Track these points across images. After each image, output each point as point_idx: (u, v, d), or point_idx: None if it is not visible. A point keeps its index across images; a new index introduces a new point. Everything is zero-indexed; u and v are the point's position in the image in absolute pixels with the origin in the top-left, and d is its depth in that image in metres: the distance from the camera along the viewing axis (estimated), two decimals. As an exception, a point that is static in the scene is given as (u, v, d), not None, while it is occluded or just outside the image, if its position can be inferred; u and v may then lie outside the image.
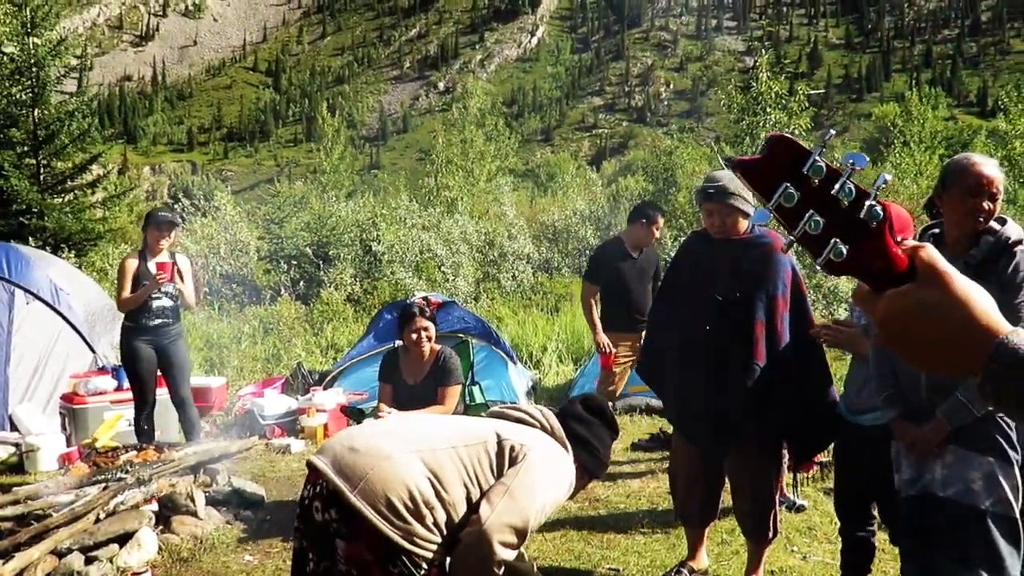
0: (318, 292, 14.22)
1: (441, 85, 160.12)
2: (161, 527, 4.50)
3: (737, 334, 3.39)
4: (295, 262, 15.50)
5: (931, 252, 0.84)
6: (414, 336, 4.80)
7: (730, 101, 18.13)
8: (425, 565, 2.32)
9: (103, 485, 4.57)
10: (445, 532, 2.36)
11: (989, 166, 2.64)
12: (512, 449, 2.47)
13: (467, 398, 5.01)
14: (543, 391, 8.49)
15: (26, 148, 15.01)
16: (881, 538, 3.59)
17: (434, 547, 2.33)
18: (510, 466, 2.44)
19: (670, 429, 6.30)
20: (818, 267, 0.85)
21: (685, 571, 3.81)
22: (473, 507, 2.39)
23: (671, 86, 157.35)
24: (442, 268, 15.03)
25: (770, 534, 3.61)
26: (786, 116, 15.11)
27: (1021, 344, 0.76)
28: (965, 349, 0.79)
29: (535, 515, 2.42)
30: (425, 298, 7.82)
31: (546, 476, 2.49)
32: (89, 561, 4.11)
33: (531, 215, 22.27)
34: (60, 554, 4.04)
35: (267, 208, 19.79)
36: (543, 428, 2.65)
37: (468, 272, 15.21)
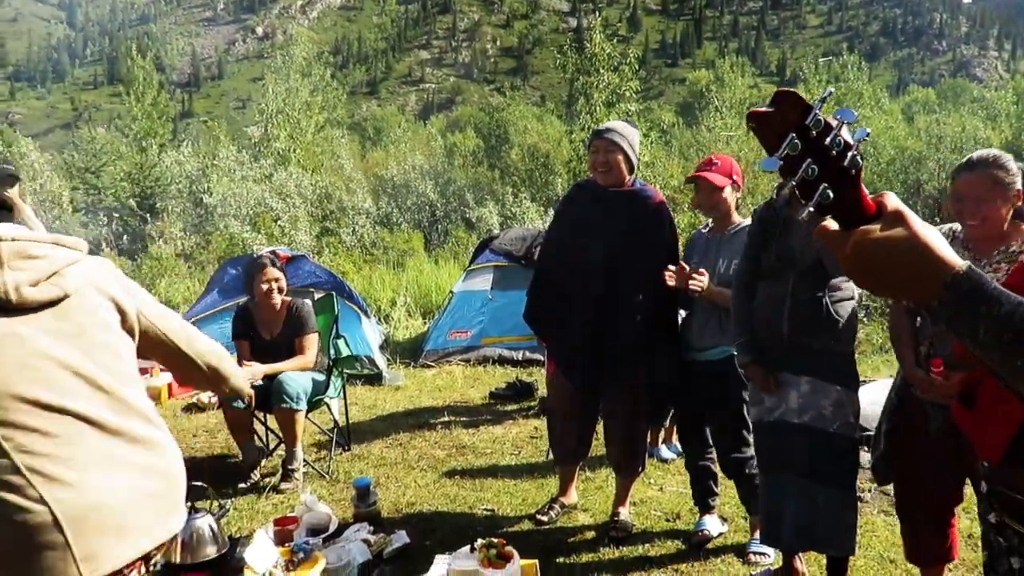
0: (145, 247, 13.33)
1: (260, 30, 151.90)
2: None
3: (620, 283, 3.59)
4: (116, 215, 14.41)
5: (895, 198, 0.99)
6: (264, 287, 4.71)
7: (564, 61, 18.54)
8: None
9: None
10: None
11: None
12: None
13: (333, 351, 4.97)
14: (395, 345, 8.52)
15: None
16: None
17: None
18: None
19: (524, 377, 6.58)
20: (811, 208, 0.97)
21: (557, 506, 4.04)
22: None
23: (498, 43, 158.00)
24: (279, 222, 14.52)
25: (639, 467, 3.90)
26: (618, 78, 15.65)
27: (973, 275, 0.92)
28: (925, 279, 0.94)
29: None
30: (273, 252, 7.61)
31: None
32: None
33: (365, 169, 21.89)
34: None
35: (79, 156, 18.15)
36: None
37: (306, 226, 14.79)
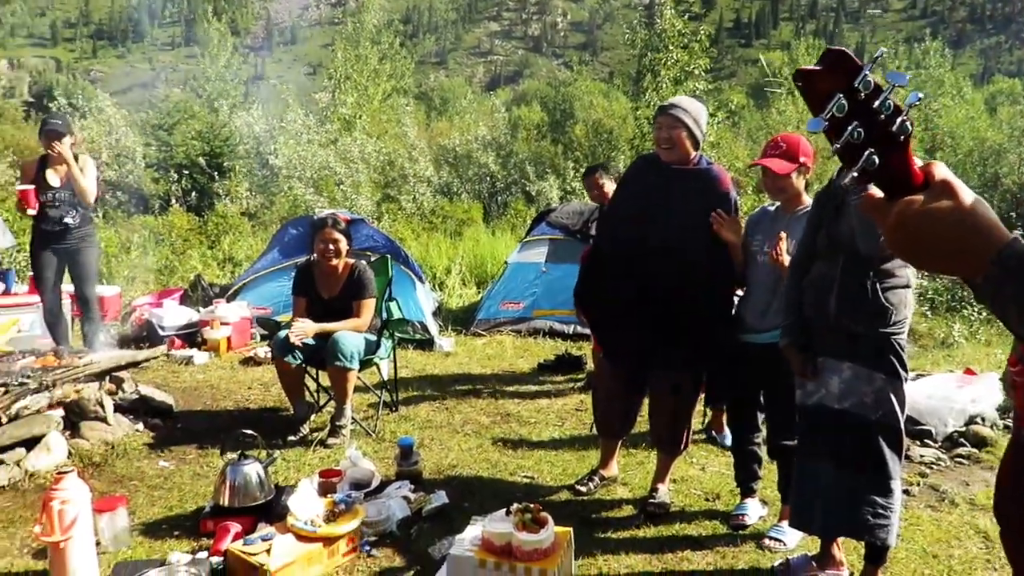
0: (212, 204, 13.67)
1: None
2: (69, 433, 4.39)
3: (677, 261, 3.53)
4: (186, 172, 14.78)
5: (944, 168, 0.95)
6: (323, 247, 4.79)
7: (634, 36, 18.25)
8: None
9: (3, 389, 4.39)
10: None
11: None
12: None
13: (386, 313, 5.05)
14: (448, 312, 8.60)
15: None
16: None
17: None
18: None
19: (573, 351, 6.59)
20: (854, 173, 0.94)
21: (596, 478, 4.06)
22: None
23: (568, 17, 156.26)
24: (341, 186, 14.70)
25: (682, 447, 3.88)
26: (687, 56, 15.37)
27: (1018, 254, 0.87)
28: (970, 253, 0.90)
29: None
30: (333, 215, 7.74)
31: None
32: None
33: (428, 138, 21.99)
34: (-37, 457, 3.90)
35: (153, 113, 18.64)
36: None
37: (368, 191, 14.96)
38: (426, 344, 7.08)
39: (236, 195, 14.02)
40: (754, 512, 3.67)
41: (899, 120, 0.93)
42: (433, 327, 7.29)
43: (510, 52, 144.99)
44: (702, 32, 16.37)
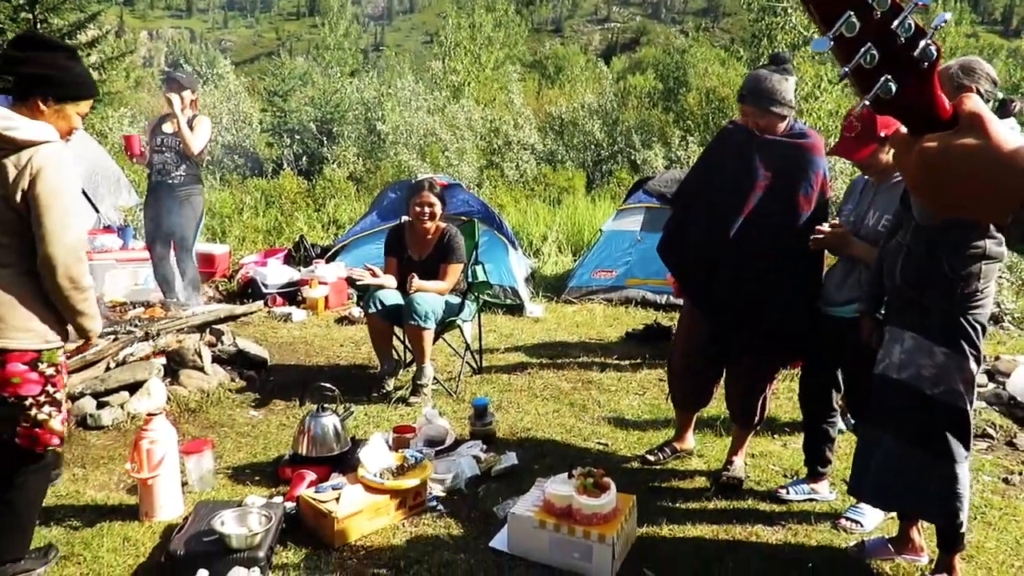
0: (320, 168, 14.11)
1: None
2: (169, 380, 4.67)
3: (756, 231, 3.40)
4: (298, 137, 15.30)
5: (976, 100, 0.85)
6: (418, 209, 4.87)
7: (749, 0, 17.55)
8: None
9: (113, 336, 4.70)
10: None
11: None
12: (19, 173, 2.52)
13: (471, 276, 5.10)
14: (541, 279, 8.61)
15: (22, 2, 14.53)
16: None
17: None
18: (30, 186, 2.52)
19: (663, 322, 6.48)
20: (866, 102, 0.85)
21: (668, 449, 3.99)
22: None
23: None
24: (446, 153, 14.88)
25: (756, 420, 3.76)
26: (807, 18, 14.64)
27: None
28: (1001, 192, 0.81)
29: (73, 212, 2.62)
30: (431, 179, 7.84)
31: (58, 172, 2.57)
32: (101, 406, 4.29)
33: (537, 106, 21.90)
34: (73, 398, 4.20)
35: (270, 81, 19.36)
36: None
37: (472, 158, 15.08)
38: (516, 309, 7.11)
39: (344, 160, 14.39)
40: (872, 519, 3.38)
41: (922, 44, 0.82)
42: (525, 293, 7.31)
43: (628, 19, 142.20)
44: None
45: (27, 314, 2.59)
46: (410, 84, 18.00)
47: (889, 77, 0.82)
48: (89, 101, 2.80)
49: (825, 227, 3.34)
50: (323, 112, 15.69)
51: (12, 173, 2.52)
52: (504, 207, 11.87)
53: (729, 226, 3.45)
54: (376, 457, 3.45)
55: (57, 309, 2.65)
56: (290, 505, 3.25)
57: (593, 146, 17.69)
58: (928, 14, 0.84)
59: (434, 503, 3.42)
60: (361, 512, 3.16)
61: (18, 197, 2.52)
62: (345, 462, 3.62)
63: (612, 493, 3.06)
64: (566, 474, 3.17)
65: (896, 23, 0.81)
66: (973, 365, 2.74)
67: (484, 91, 23.32)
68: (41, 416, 2.66)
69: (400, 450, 3.65)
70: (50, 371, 2.68)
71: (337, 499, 3.19)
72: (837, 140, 3.28)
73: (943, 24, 0.83)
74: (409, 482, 3.35)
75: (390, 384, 4.87)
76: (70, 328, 2.74)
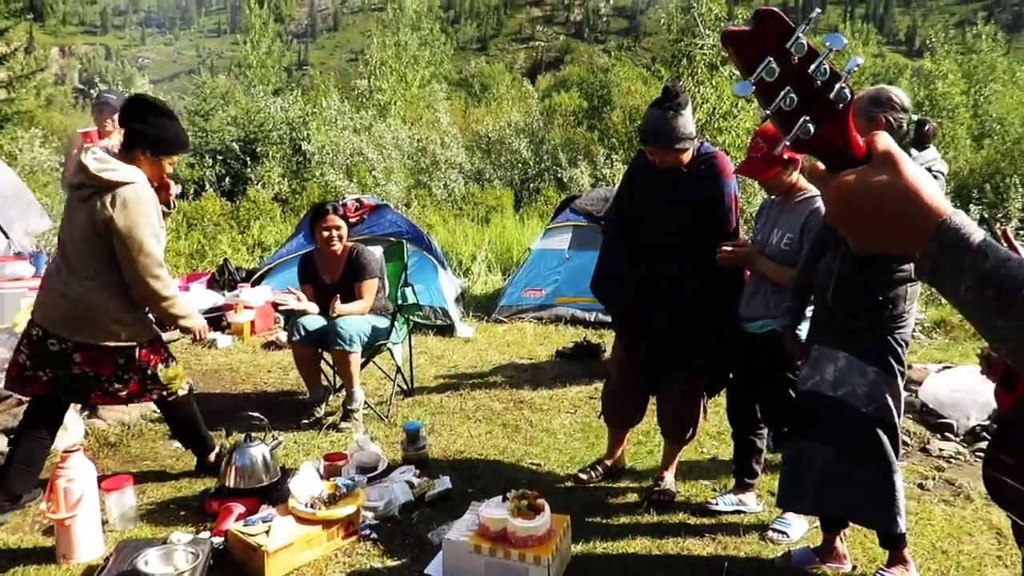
0: (244, 189, 13.82)
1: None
2: (87, 413, 4.49)
3: (684, 261, 3.51)
4: (221, 157, 14.95)
5: (887, 139, 0.89)
6: (325, 234, 4.84)
7: (669, 21, 18.02)
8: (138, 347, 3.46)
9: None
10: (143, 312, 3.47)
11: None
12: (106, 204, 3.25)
13: (401, 298, 5.07)
14: (471, 299, 8.61)
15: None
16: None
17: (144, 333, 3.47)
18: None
19: (593, 339, 6.55)
20: (786, 142, 0.89)
21: (600, 467, 4.03)
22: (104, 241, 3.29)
23: (611, 2, 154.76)
24: (373, 172, 14.77)
25: (688, 436, 3.84)
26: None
27: (961, 225, 0.82)
28: (910, 228, 0.85)
29: (149, 238, 3.31)
30: (358, 200, 7.78)
31: (136, 208, 3.27)
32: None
33: (464, 125, 21.97)
34: (-17, 435, 4.01)
35: (190, 99, 18.92)
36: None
37: (399, 178, 15.00)
38: (447, 330, 7.10)
39: (269, 180, 14.13)
40: (797, 530, 3.46)
41: (837, 87, 0.87)
42: (455, 313, 7.30)
43: (552, 38, 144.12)
44: (739, 15, 16.06)
45: (111, 319, 3.34)
46: (335, 103, 17.85)
47: (807, 118, 0.86)
48: (181, 154, 3.62)
49: (727, 247, 3.43)
50: (246, 132, 15.39)
51: (100, 206, 3.23)
52: (433, 227, 11.85)
53: (651, 257, 3.56)
54: (307, 486, 3.39)
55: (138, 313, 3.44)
56: (218, 540, 3.17)
57: (520, 164, 17.83)
58: (842, 58, 0.89)
59: (367, 531, 3.38)
60: (292, 544, 3.10)
61: (106, 226, 3.23)
62: (275, 493, 3.54)
63: (546, 514, 3.07)
64: (500, 497, 3.18)
65: (813, 67, 0.85)
66: (900, 381, 2.88)
67: (410, 110, 23.28)
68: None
69: (331, 478, 3.59)
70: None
71: (267, 532, 3.12)
72: (744, 160, 3.39)
73: (855, 68, 0.88)
74: (341, 511, 3.29)
75: (320, 411, 4.80)
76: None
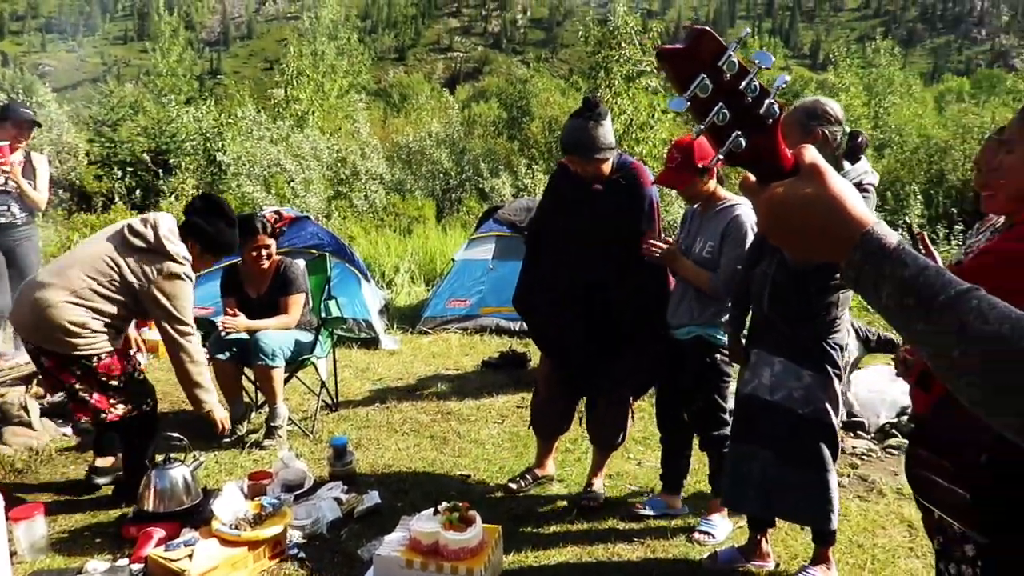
0: (156, 202, 13.36)
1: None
2: (-6, 437, 4.27)
3: (601, 266, 3.57)
4: (131, 169, 14.42)
5: (813, 152, 0.94)
6: (255, 254, 4.73)
7: (587, 33, 18.32)
8: (96, 357, 3.47)
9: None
10: (108, 328, 3.50)
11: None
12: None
13: (324, 311, 4.99)
14: (395, 310, 8.54)
15: None
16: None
17: (100, 344, 3.47)
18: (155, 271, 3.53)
19: (518, 348, 6.58)
20: (719, 156, 0.92)
21: (529, 476, 4.05)
22: (131, 301, 3.55)
23: (528, 13, 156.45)
24: (292, 184, 14.49)
25: (617, 442, 3.89)
26: (641, 52, 15.44)
27: (883, 235, 0.87)
28: (836, 237, 0.89)
29: (186, 308, 3.61)
30: (277, 212, 7.61)
31: (175, 284, 3.56)
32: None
33: (384, 135, 21.83)
34: None
35: (97, 109, 18.20)
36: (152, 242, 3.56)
37: (319, 189, 14.77)
38: (371, 343, 7.02)
39: (182, 192, 13.71)
40: (722, 531, 3.56)
41: (767, 102, 0.91)
42: (379, 325, 7.23)
43: (470, 48, 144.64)
44: (653, 28, 16.46)
45: (64, 328, 3.39)
46: (251, 113, 17.46)
47: (739, 133, 0.90)
48: (222, 253, 3.92)
49: (653, 241, 3.50)
50: (158, 142, 14.88)
51: (150, 271, 3.51)
52: (354, 238, 11.71)
53: (574, 267, 3.60)
54: (231, 507, 3.30)
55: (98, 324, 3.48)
56: (137, 567, 3.06)
57: (441, 175, 17.81)
58: (770, 74, 0.92)
59: (295, 550, 3.31)
60: (217, 567, 3.01)
61: (145, 288, 3.51)
62: (197, 515, 3.44)
63: (478, 526, 3.07)
64: (431, 510, 3.16)
65: (744, 84, 0.89)
66: (836, 384, 3.00)
67: (329, 120, 22.95)
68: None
69: (256, 498, 3.51)
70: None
71: (190, 556, 3.03)
72: (661, 171, 3.48)
73: (783, 85, 0.92)
74: (268, 531, 3.22)
75: (242, 428, 4.68)
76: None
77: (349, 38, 32.16)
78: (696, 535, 3.51)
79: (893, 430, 4.92)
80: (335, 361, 5.38)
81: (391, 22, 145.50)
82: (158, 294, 3.51)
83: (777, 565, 3.29)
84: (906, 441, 4.82)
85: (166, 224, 3.62)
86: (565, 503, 3.88)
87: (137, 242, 3.55)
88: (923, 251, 2.11)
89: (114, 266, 3.50)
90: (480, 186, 16.91)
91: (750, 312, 3.26)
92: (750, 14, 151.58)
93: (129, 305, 3.56)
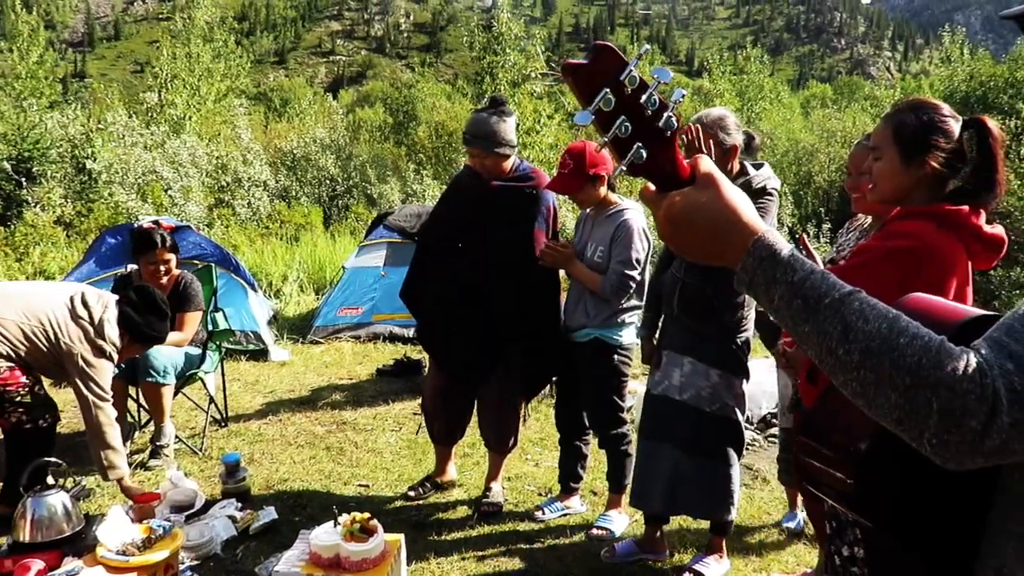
0: (20, 212, 12.53)
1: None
2: None
3: (497, 267, 3.60)
4: (-13, 178, 13.48)
5: (708, 163, 0.99)
6: (152, 268, 4.54)
7: (471, 38, 18.43)
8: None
9: None
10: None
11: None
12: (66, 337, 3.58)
13: (211, 324, 4.82)
14: (284, 321, 8.35)
15: None
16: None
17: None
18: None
19: (412, 355, 6.56)
20: (622, 167, 0.95)
21: (429, 484, 4.05)
22: (48, 359, 3.57)
23: (411, 18, 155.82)
24: (169, 192, 13.89)
25: (511, 444, 3.94)
26: (524, 58, 15.66)
27: (774, 242, 0.93)
28: (730, 243, 0.95)
29: (106, 381, 3.64)
30: (155, 222, 7.30)
31: (101, 361, 3.64)
32: None
33: (266, 141, 21.25)
34: None
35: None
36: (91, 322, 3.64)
37: (199, 197, 14.22)
38: (260, 355, 6.83)
39: (49, 202, 12.91)
40: (619, 525, 3.65)
41: (665, 115, 0.94)
42: (268, 336, 7.05)
43: (353, 52, 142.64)
44: (537, 35, 16.72)
45: None
46: (123, 118, 16.65)
47: (640, 145, 0.93)
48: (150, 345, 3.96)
49: (550, 244, 3.58)
50: (19, 150, 13.92)
51: (84, 343, 3.58)
52: (239, 248, 11.37)
53: (469, 267, 3.63)
54: (117, 532, 3.15)
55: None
56: (14, 602, 2.87)
57: (328, 181, 17.49)
58: (668, 88, 0.97)
59: (188, 573, 3.19)
60: (104, 596, 2.87)
61: (74, 352, 3.56)
62: (79, 543, 3.25)
63: (379, 536, 3.04)
64: (330, 522, 3.11)
65: (644, 98, 0.93)
66: (743, 382, 3.13)
67: (207, 125, 22.14)
68: None
69: (144, 521, 3.35)
70: None
71: (74, 586, 2.87)
72: (554, 177, 3.56)
73: (680, 99, 0.97)
74: (158, 555, 3.08)
75: (126, 449, 4.46)
76: None
77: (226, 40, 31.05)
78: (594, 531, 3.60)
79: (774, 420, 5.17)
80: (224, 375, 5.22)
81: (270, 24, 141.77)
82: (82, 362, 3.58)
83: (671, 555, 3.42)
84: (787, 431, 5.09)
85: (111, 311, 3.73)
86: (466, 508, 3.89)
87: (82, 317, 3.65)
88: (804, 252, 2.25)
89: (53, 322, 3.56)
90: (368, 192, 16.72)
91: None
92: (628, 22, 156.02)
93: (43, 360, 3.58)
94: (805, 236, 2.57)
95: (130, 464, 4.28)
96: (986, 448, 0.77)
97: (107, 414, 3.63)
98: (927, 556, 1.02)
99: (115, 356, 3.71)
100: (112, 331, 3.67)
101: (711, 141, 2.97)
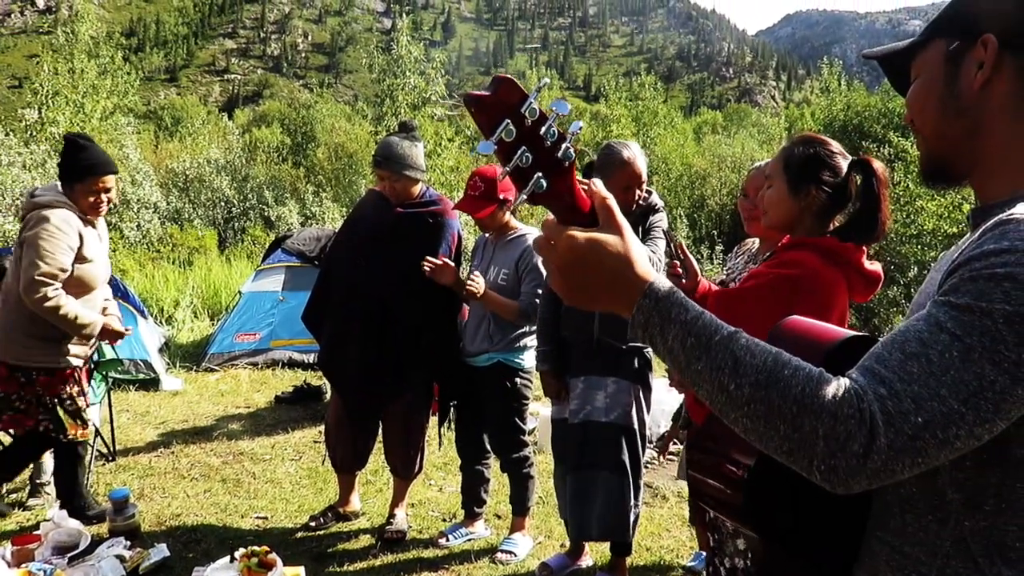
0: None
1: (41, 2, 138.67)
2: None
3: (400, 293, 3.59)
4: None
5: (610, 200, 1.00)
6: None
7: (371, 61, 18.35)
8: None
9: None
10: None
11: (641, 161, 3.21)
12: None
13: (97, 354, 4.60)
14: (177, 348, 8.04)
15: None
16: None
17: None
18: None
19: (313, 381, 6.43)
20: (523, 196, 0.96)
21: (331, 513, 3.96)
22: None
23: (309, 38, 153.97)
24: (51, 214, 13.14)
25: (415, 470, 3.90)
26: (424, 81, 15.70)
27: (667, 285, 0.97)
28: (628, 287, 0.97)
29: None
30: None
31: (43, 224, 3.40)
32: None
33: (157, 161, 20.49)
34: None
35: None
36: None
37: (83, 219, 13.51)
38: (151, 384, 6.55)
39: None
40: (523, 548, 3.67)
41: (563, 146, 0.96)
42: (159, 365, 6.77)
43: (248, 71, 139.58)
44: (437, 59, 16.80)
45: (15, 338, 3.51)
46: (-1, 136, 15.76)
47: (541, 175, 0.95)
48: (101, 177, 3.56)
49: (433, 261, 3.58)
50: None
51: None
52: (127, 272, 10.89)
53: (371, 291, 3.61)
54: (-9, 580, 2.96)
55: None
56: None
57: (223, 203, 16.99)
58: (566, 121, 1.00)
59: (72, 619, 3.02)
60: (-23, 649, 2.68)
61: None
62: (-52, 593, 3.04)
63: (279, 569, 2.97)
64: (227, 558, 3.02)
65: (543, 129, 0.95)
66: (650, 396, 3.27)
67: (93, 144, 21.12)
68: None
69: (23, 565, 3.17)
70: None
71: (-57, 640, 2.67)
72: (463, 198, 3.59)
73: (577, 131, 0.99)
74: (38, 601, 2.92)
75: (2, 489, 4.19)
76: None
77: (113, 56, 29.85)
78: (499, 555, 3.60)
79: (673, 439, 5.31)
80: (111, 406, 4.97)
81: (160, 41, 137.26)
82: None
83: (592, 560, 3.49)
84: (683, 448, 5.24)
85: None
86: (369, 537, 3.83)
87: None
88: (681, 256, 2.33)
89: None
90: (265, 214, 16.33)
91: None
92: (526, 47, 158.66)
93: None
94: (682, 242, 2.65)
95: (8, 504, 4.04)
96: (869, 470, 0.82)
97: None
98: (813, 562, 1.07)
99: (53, 211, 3.46)
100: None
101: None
